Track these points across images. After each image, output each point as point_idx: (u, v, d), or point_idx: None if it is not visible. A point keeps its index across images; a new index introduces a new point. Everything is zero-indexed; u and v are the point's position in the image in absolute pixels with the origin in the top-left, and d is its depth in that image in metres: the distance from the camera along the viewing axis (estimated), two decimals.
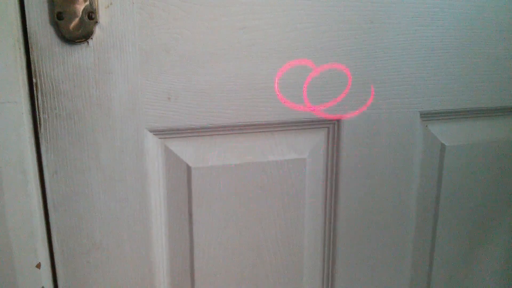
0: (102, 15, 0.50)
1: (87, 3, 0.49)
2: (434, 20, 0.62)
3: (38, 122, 0.51)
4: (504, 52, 0.66)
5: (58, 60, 0.50)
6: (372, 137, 0.63)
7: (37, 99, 0.50)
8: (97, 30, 0.50)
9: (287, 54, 0.57)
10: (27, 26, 0.48)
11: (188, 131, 0.56)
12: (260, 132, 0.60)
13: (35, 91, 0.50)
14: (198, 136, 0.57)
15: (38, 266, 0.54)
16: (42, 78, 0.50)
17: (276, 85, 0.57)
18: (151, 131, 0.55)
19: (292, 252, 0.65)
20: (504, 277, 0.80)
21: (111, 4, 0.50)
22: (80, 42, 0.50)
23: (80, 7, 0.49)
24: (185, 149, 0.57)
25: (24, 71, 0.50)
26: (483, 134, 0.70)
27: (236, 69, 0.56)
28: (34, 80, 0.50)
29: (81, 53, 0.50)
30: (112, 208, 0.55)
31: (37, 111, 0.51)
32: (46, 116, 0.51)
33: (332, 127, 0.62)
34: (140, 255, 0.58)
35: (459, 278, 0.76)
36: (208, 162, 0.58)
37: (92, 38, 0.50)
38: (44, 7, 0.48)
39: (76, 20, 0.49)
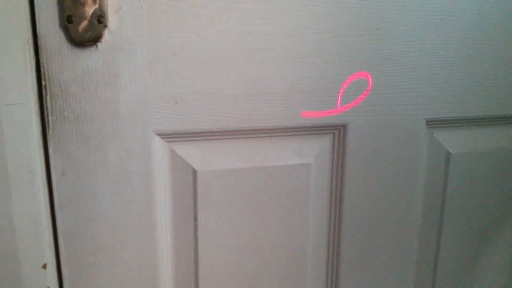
0: (112, 19, 0.50)
1: (97, 6, 0.49)
2: (440, 27, 0.62)
3: (46, 124, 0.51)
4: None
5: (67, 62, 0.50)
6: (377, 144, 0.64)
7: (46, 101, 0.51)
8: (106, 34, 0.51)
9: (293, 59, 0.57)
10: (37, 29, 0.49)
11: (195, 134, 0.57)
12: (266, 137, 0.60)
13: (44, 93, 0.50)
14: (204, 140, 0.58)
15: (44, 266, 0.55)
16: (51, 81, 0.50)
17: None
18: (157, 134, 0.55)
19: (296, 257, 0.65)
20: (509, 284, 0.79)
21: (120, 8, 0.50)
22: (89, 45, 0.50)
23: (90, 10, 0.49)
24: (191, 153, 0.58)
25: (33, 73, 0.50)
26: (489, 142, 0.70)
27: (243, 73, 0.56)
28: (43, 82, 0.50)
29: (90, 56, 0.51)
30: (118, 210, 0.56)
31: (45, 113, 0.51)
32: (55, 118, 0.51)
33: (337, 133, 0.62)
34: (145, 257, 0.58)
35: (463, 284, 0.76)
36: (214, 166, 0.58)
37: (101, 42, 0.50)
38: (54, 10, 0.48)
39: (86, 23, 0.49)
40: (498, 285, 0.79)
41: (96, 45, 0.51)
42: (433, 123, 0.66)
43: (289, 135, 0.61)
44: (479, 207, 0.72)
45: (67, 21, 0.49)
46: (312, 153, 0.62)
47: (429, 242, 0.72)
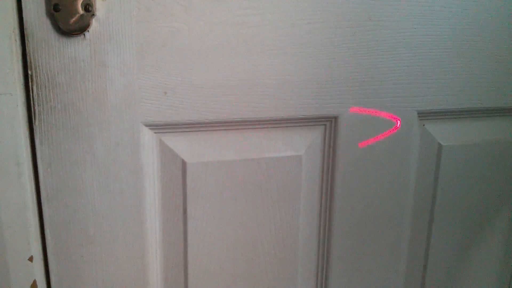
0: (99, 8, 0.50)
1: None
2: (433, 19, 0.62)
3: (32, 115, 0.51)
4: (503, 52, 0.66)
5: (54, 52, 0.49)
6: (369, 135, 0.63)
7: (32, 91, 0.50)
8: (94, 23, 0.50)
9: (284, 50, 0.57)
10: (23, 18, 0.48)
11: (184, 126, 0.56)
12: (256, 128, 0.59)
13: (30, 83, 0.50)
14: (194, 131, 0.57)
15: (31, 259, 0.54)
16: (37, 70, 0.49)
17: None
18: (146, 126, 0.55)
19: (287, 249, 0.65)
20: (499, 278, 0.80)
21: None
22: (76, 34, 0.49)
23: None
24: (181, 144, 0.57)
25: (20, 63, 0.50)
26: (480, 134, 0.70)
27: (233, 64, 0.55)
28: (29, 72, 0.49)
29: (77, 46, 0.50)
30: (106, 202, 0.55)
31: (32, 104, 0.50)
32: (41, 109, 0.51)
33: (329, 125, 0.62)
34: (134, 249, 0.58)
35: (453, 277, 0.76)
36: (204, 158, 0.58)
37: (88, 31, 0.50)
38: None
39: (73, 12, 0.48)
40: (489, 278, 0.79)
41: (84, 35, 0.50)
42: (425, 115, 0.66)
43: (280, 126, 0.60)
44: (470, 199, 0.72)
45: (54, 10, 0.48)
46: (304, 144, 0.62)
47: (420, 234, 0.72)
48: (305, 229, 0.65)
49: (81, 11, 0.49)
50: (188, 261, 0.60)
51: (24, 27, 0.48)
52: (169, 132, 0.56)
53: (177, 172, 0.57)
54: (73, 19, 0.49)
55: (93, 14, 0.49)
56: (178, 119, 0.55)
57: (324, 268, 0.68)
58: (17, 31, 0.49)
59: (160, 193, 0.58)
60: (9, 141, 0.50)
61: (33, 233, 0.54)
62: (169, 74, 0.54)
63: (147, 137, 0.55)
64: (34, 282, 0.55)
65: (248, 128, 0.59)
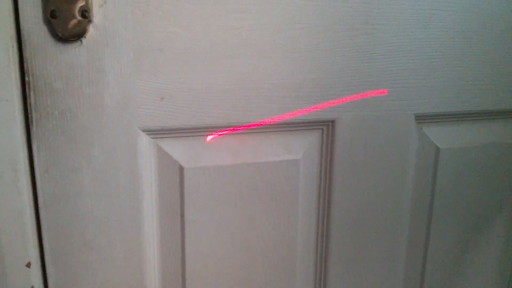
0: (96, 14, 0.50)
1: (81, 2, 0.48)
2: (430, 22, 0.62)
3: (30, 121, 0.51)
4: (500, 55, 0.66)
5: (51, 58, 0.50)
6: (366, 139, 0.63)
7: (30, 98, 0.50)
8: (91, 29, 0.50)
9: (281, 54, 0.57)
10: (21, 24, 0.48)
11: (181, 131, 0.56)
12: (254, 132, 0.59)
13: (27, 90, 0.50)
14: (191, 136, 0.57)
15: (28, 265, 0.54)
16: (34, 77, 0.50)
17: None
18: (143, 131, 0.55)
19: (285, 253, 0.64)
20: (497, 280, 0.79)
21: (105, 2, 0.50)
22: (73, 40, 0.50)
23: (74, 5, 0.48)
24: (178, 149, 0.57)
25: (17, 69, 0.50)
26: (478, 137, 0.70)
27: (231, 68, 0.56)
28: (26, 78, 0.49)
29: (74, 52, 0.50)
30: (103, 208, 0.55)
31: (29, 110, 0.50)
32: (38, 115, 0.51)
33: (326, 128, 0.62)
34: (131, 254, 0.58)
35: (452, 279, 0.76)
36: (201, 162, 0.58)
37: (85, 37, 0.50)
38: (38, 5, 0.48)
39: (70, 18, 0.49)
40: (487, 281, 0.79)
41: (81, 41, 0.50)
42: (423, 118, 0.66)
43: (278, 131, 0.60)
44: (468, 202, 0.72)
45: (51, 16, 0.48)
46: (301, 149, 0.62)
47: (418, 237, 0.72)
48: (303, 232, 0.65)
49: (78, 17, 0.49)
50: (185, 265, 0.60)
51: (21, 33, 0.48)
52: (166, 137, 0.56)
53: (174, 177, 0.57)
54: (70, 25, 0.49)
55: (90, 20, 0.49)
56: (175, 124, 0.55)
57: (322, 271, 0.68)
58: (14, 38, 0.49)
59: (157, 198, 0.58)
60: (6, 146, 0.50)
61: (31, 239, 0.54)
62: (166, 79, 0.54)
63: (144, 142, 0.55)
64: None
65: (245, 133, 0.59)
